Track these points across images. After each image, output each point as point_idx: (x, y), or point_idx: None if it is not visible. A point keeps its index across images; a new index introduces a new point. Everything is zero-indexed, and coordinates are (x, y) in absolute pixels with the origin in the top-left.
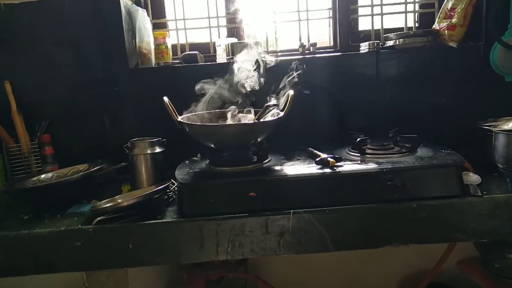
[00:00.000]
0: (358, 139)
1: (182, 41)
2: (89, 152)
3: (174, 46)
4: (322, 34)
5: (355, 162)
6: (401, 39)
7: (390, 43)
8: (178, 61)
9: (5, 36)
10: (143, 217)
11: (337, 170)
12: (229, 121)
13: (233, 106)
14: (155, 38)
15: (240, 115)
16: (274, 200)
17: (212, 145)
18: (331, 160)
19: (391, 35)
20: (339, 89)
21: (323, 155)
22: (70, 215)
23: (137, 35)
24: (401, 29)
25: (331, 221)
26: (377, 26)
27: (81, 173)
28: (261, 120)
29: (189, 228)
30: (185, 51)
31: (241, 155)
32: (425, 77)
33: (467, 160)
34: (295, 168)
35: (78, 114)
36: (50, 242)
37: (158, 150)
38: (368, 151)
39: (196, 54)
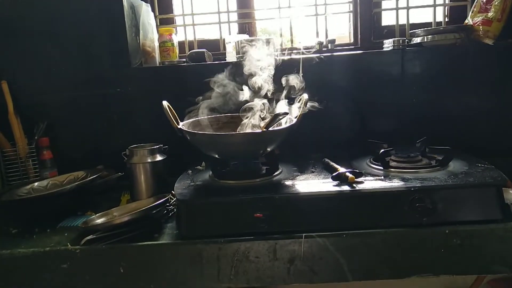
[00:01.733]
0: (382, 151)
1: (190, 38)
2: (89, 156)
3: (181, 44)
4: (341, 30)
5: (378, 177)
6: (429, 36)
7: (417, 40)
8: (184, 59)
9: (2, 33)
10: (138, 235)
11: (357, 187)
12: (239, 128)
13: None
14: (161, 35)
15: (253, 119)
16: (284, 221)
17: (216, 156)
18: (350, 176)
19: (418, 31)
20: (359, 91)
21: (341, 169)
22: (61, 230)
23: (140, 31)
24: (429, 24)
25: (350, 247)
26: (402, 21)
27: (75, 183)
28: (270, 129)
29: (187, 252)
30: (193, 49)
31: (249, 166)
32: (456, 78)
33: (508, 176)
34: (308, 184)
35: (78, 116)
36: (34, 264)
37: (159, 158)
38: (392, 163)
39: (203, 52)
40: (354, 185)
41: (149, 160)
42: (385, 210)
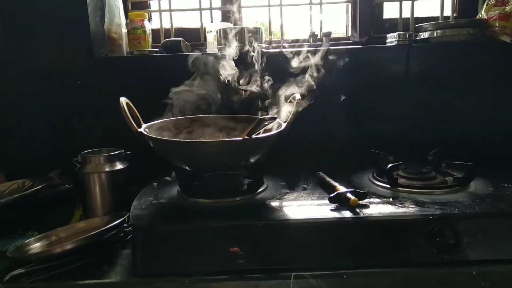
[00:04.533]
0: (389, 166)
1: (167, 25)
2: (43, 160)
3: (156, 32)
4: (338, 23)
5: (385, 199)
6: (439, 30)
7: (424, 34)
8: (157, 49)
9: None
10: (84, 267)
11: (361, 213)
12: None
13: None
14: (131, 21)
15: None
16: (268, 256)
17: (187, 168)
18: (353, 198)
19: (425, 25)
20: (358, 92)
21: (340, 188)
22: None
23: (106, 15)
24: (435, 18)
25: None
26: (406, 14)
27: (12, 197)
28: (254, 136)
29: None
30: (170, 38)
31: (226, 180)
32: (469, 78)
33: None
34: (300, 206)
35: (31, 114)
36: None
37: (119, 166)
38: (401, 180)
39: (179, 41)
40: (357, 209)
41: (106, 169)
42: (395, 243)
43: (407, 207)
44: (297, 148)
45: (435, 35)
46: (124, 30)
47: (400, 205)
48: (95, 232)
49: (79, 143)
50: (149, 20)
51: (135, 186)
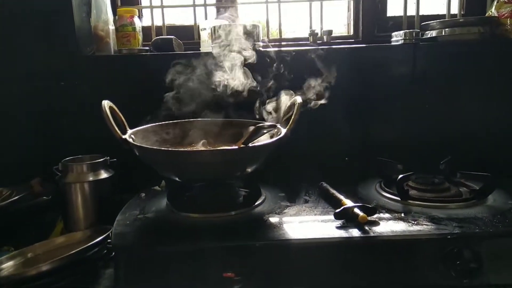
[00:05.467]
0: (400, 177)
1: (159, 23)
2: (24, 166)
3: (147, 30)
4: (336, 21)
5: (396, 214)
6: (447, 29)
7: (432, 33)
8: (147, 48)
9: None
10: None
11: (371, 232)
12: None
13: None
14: (120, 17)
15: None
16: (267, 281)
17: (176, 179)
18: (361, 214)
19: (433, 23)
20: (362, 94)
21: (347, 202)
22: None
23: (93, 11)
24: (441, 16)
25: None
26: (410, 12)
27: None
28: (251, 144)
29: None
30: (162, 36)
31: (220, 192)
32: (480, 79)
33: None
34: (302, 223)
35: (11, 118)
36: None
37: (104, 175)
38: (412, 192)
39: (171, 39)
40: (366, 227)
41: (89, 179)
42: (409, 266)
43: (422, 224)
44: (297, 153)
45: (443, 33)
46: (111, 27)
47: (413, 221)
48: (74, 251)
49: (62, 148)
50: (140, 17)
51: (122, 194)
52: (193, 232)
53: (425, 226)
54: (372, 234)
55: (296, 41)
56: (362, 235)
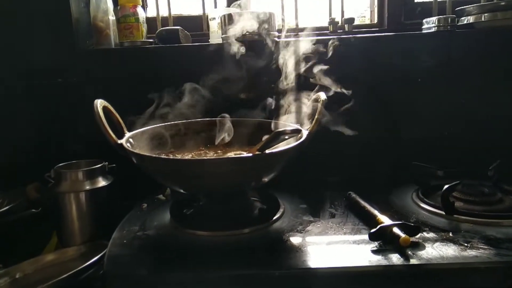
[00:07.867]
0: (446, 188)
1: (165, 13)
2: (19, 170)
3: (153, 20)
4: (361, 9)
5: (442, 234)
6: (486, 14)
7: (469, 19)
8: (152, 40)
9: None
10: None
11: (416, 259)
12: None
13: None
14: (122, 7)
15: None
16: None
17: (181, 191)
18: (403, 236)
19: (470, 7)
20: (391, 88)
21: (383, 219)
22: None
23: (92, 1)
24: (476, 1)
25: None
26: None
27: None
28: (268, 151)
29: None
30: (168, 27)
31: (231, 205)
32: None
33: None
34: (330, 245)
35: (5, 118)
36: None
37: (102, 183)
38: (457, 204)
39: (177, 30)
40: (409, 251)
41: (86, 188)
42: None
43: (477, 248)
44: (319, 157)
45: (482, 19)
46: (112, 17)
47: (465, 244)
48: (66, 275)
49: (59, 150)
50: (144, 7)
51: (124, 201)
52: (199, 255)
53: (482, 251)
54: (417, 262)
55: (314, 30)
56: (405, 263)
